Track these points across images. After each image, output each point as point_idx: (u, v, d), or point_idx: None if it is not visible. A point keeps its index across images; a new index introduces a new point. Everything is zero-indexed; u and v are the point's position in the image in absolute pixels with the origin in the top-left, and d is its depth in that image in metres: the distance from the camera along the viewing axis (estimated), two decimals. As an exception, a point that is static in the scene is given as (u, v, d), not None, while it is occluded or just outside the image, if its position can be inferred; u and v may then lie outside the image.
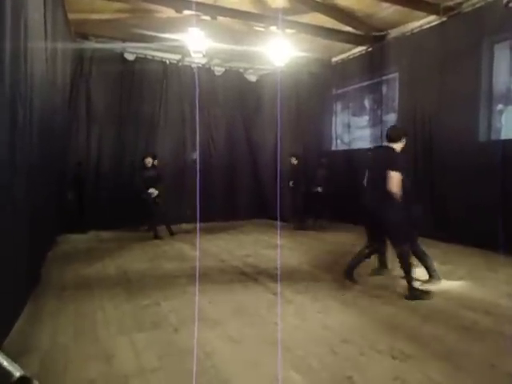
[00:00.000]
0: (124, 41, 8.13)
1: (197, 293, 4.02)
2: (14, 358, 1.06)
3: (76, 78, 7.90)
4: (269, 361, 2.63)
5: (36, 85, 4.01)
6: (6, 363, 1.03)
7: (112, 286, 4.34)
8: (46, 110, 4.80)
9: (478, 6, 6.08)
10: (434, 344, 2.89)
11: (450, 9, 6.43)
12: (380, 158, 4.09)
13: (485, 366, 2.58)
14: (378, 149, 4.81)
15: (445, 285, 4.29)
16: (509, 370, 2.51)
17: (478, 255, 5.58)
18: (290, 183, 8.22)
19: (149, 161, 7.39)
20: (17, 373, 1.01)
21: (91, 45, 7.92)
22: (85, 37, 7.86)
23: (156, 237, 7.11)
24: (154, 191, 7.22)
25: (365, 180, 4.26)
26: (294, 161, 8.23)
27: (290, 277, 4.64)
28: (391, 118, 7.90)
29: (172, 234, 7.44)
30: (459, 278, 4.51)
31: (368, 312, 3.54)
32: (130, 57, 8.52)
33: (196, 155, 7.79)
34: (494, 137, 6.13)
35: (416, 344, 2.88)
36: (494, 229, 5.73)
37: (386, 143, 4.13)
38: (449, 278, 4.52)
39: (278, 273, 4.73)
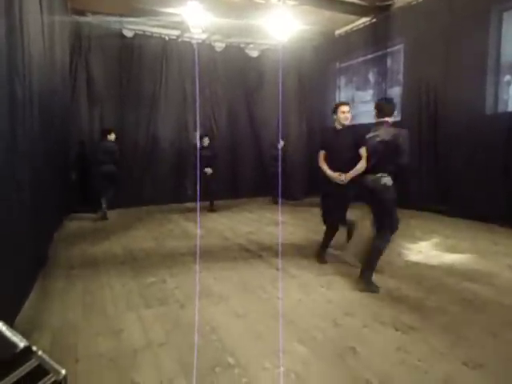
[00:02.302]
0: (122, 16, 7.93)
1: (201, 270, 4.09)
2: (25, 334, 1.08)
3: (74, 56, 7.76)
4: (273, 334, 2.68)
5: (34, 63, 3.94)
6: (9, 334, 1.05)
7: (118, 265, 4.41)
8: (45, 88, 4.74)
9: (486, -29, 5.85)
10: (437, 316, 2.93)
11: (458, -25, 6.20)
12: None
13: (486, 335, 2.62)
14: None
15: (448, 258, 4.31)
16: (509, 339, 2.55)
17: (481, 229, 5.58)
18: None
19: (206, 140, 7.77)
20: (21, 343, 1.02)
21: (89, 21, 7.76)
22: (82, 13, 7.68)
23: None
24: (209, 170, 7.68)
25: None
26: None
27: (294, 253, 4.69)
28: (396, 92, 7.75)
29: (213, 210, 7.71)
30: (462, 251, 4.53)
31: (371, 286, 3.57)
32: (128, 33, 8.35)
33: (197, 136, 7.73)
34: (500, 109, 6.01)
35: (419, 316, 2.92)
36: (498, 202, 5.72)
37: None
38: (453, 251, 4.55)
39: (280, 249, 4.77)
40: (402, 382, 2.13)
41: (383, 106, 3.67)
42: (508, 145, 5.64)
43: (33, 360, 0.99)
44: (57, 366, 0.99)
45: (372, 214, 3.68)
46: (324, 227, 4.32)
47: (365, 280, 3.49)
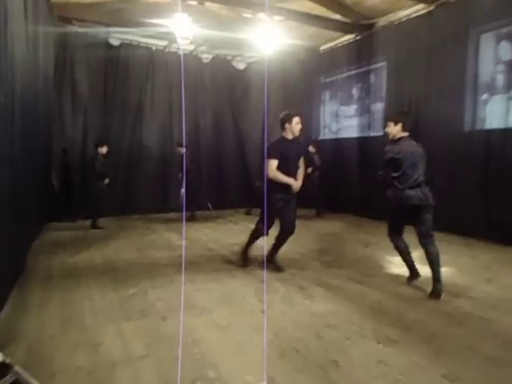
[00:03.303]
0: (108, 26, 7.92)
1: (185, 281, 4.04)
2: (0, 347, 1.05)
3: (59, 64, 7.69)
4: (255, 347, 2.67)
5: (18, 69, 3.90)
6: None
7: (99, 275, 4.32)
8: (28, 95, 4.68)
9: (465, -5, 6.11)
10: (418, 329, 2.96)
11: (438, -2, 6.46)
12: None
13: (465, 348, 2.66)
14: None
15: (429, 271, 4.38)
16: (486, 353, 2.59)
17: (461, 243, 5.71)
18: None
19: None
20: None
21: (75, 29, 7.71)
22: (68, 21, 7.63)
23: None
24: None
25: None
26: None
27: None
28: (379, 108, 7.94)
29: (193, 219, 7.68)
30: (443, 265, 4.59)
31: (354, 298, 3.60)
32: (115, 42, 8.33)
33: (183, 149, 7.73)
34: (478, 127, 6.22)
35: (400, 329, 2.95)
36: (477, 218, 5.87)
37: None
38: (432, 264, 4.62)
39: (264, 261, 4.76)
40: (383, 395, 2.14)
41: (406, 121, 3.84)
42: (485, 161, 5.83)
43: (9, 375, 0.97)
44: (34, 382, 0.97)
45: (418, 227, 3.71)
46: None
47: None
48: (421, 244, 3.71)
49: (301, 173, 4.36)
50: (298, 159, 4.35)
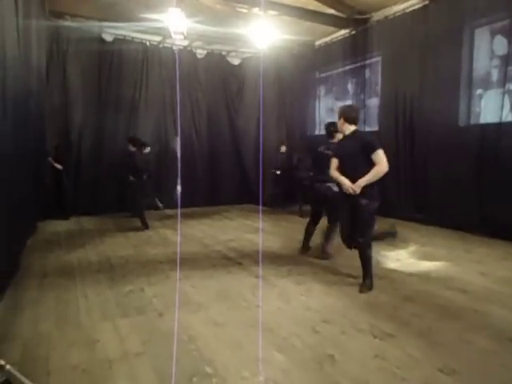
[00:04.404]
0: (101, 20, 7.84)
1: (180, 278, 4.03)
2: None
3: (52, 60, 7.60)
4: (252, 342, 2.67)
5: (9, 65, 3.84)
6: None
7: (94, 273, 4.29)
8: (20, 90, 4.63)
9: (459, -11, 6.10)
10: (413, 322, 2.98)
11: (433, -8, 6.44)
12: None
13: (460, 341, 2.68)
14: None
15: (424, 265, 4.41)
16: (481, 345, 2.61)
17: (456, 237, 5.75)
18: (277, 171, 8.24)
19: (147, 149, 7.49)
20: None
21: (67, 24, 7.62)
22: (60, 16, 7.55)
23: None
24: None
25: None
26: (284, 149, 8.35)
27: (274, 261, 4.68)
28: (374, 103, 7.93)
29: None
30: (438, 259, 4.64)
31: (350, 293, 3.61)
32: (108, 37, 8.24)
33: (177, 146, 7.66)
34: (473, 121, 6.24)
35: (396, 323, 2.96)
36: (471, 212, 5.91)
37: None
38: (428, 259, 4.65)
39: (260, 257, 4.77)
40: (379, 389, 2.15)
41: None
42: (479, 156, 5.85)
43: (0, 375, 0.95)
44: (26, 381, 0.95)
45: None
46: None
47: None
48: None
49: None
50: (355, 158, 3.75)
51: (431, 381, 2.22)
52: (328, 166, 3.92)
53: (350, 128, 3.72)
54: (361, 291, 3.61)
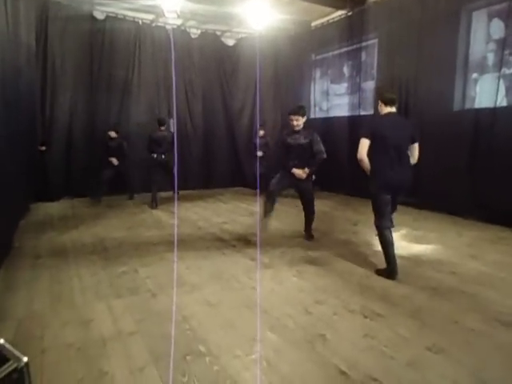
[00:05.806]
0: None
1: (175, 259, 4.05)
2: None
3: (41, 38, 7.38)
4: (245, 322, 2.71)
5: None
6: None
7: (88, 254, 4.30)
8: (9, 71, 4.52)
9: (458, -30, 5.99)
10: (404, 303, 3.03)
11: (431, -27, 6.32)
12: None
13: (448, 322, 2.74)
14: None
15: (416, 248, 4.47)
16: (469, 326, 2.67)
17: (448, 221, 5.81)
18: (259, 153, 8.09)
19: (112, 134, 7.65)
20: None
21: (57, 1, 7.40)
22: (49, -8, 7.32)
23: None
24: (114, 160, 7.63)
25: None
26: (262, 133, 8.23)
27: (268, 243, 4.71)
28: (370, 86, 7.87)
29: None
30: (429, 242, 4.70)
31: (343, 275, 3.66)
32: (99, 15, 8.02)
33: (172, 129, 7.55)
34: (468, 105, 6.23)
35: (386, 304, 3.02)
36: (463, 196, 5.96)
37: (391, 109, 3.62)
38: (420, 242, 4.71)
39: (255, 239, 4.79)
40: (369, 367, 2.20)
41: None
42: (473, 141, 5.86)
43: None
44: (18, 353, 0.95)
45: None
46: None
47: None
48: None
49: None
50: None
51: (419, 359, 2.28)
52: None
53: (385, 110, 3.61)
54: (376, 271, 3.68)
